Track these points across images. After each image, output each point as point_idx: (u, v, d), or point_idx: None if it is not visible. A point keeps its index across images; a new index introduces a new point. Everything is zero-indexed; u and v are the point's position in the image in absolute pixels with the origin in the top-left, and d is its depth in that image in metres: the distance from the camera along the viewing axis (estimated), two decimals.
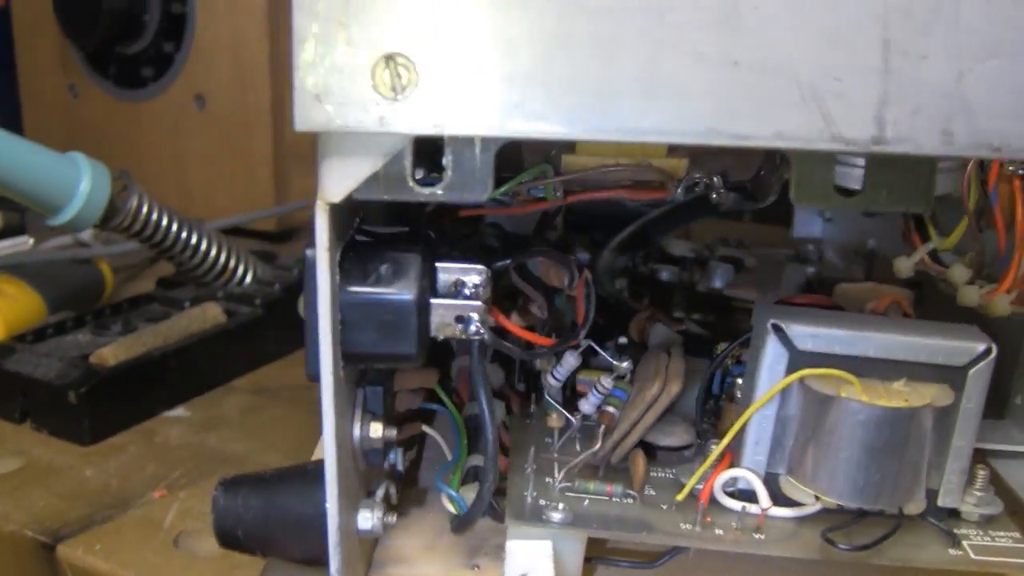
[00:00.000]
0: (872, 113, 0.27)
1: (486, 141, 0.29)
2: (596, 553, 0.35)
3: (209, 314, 0.52)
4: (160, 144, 0.78)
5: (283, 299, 0.56)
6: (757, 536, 0.34)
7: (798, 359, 0.34)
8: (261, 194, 0.74)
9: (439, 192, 0.29)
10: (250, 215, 0.72)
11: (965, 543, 0.34)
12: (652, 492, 0.36)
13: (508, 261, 0.33)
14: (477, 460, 0.36)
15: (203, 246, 0.55)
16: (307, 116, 0.26)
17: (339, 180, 0.28)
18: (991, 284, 0.38)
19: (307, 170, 0.75)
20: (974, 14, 0.26)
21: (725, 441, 0.35)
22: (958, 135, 0.27)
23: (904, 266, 0.42)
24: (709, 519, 0.34)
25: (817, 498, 0.34)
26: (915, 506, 0.34)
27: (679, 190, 0.34)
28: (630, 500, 0.35)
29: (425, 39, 0.26)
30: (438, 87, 0.26)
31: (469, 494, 0.34)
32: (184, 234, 0.54)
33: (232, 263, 0.57)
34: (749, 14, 0.26)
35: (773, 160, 0.33)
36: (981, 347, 0.33)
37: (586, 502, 0.35)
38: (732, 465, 0.35)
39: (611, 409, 0.36)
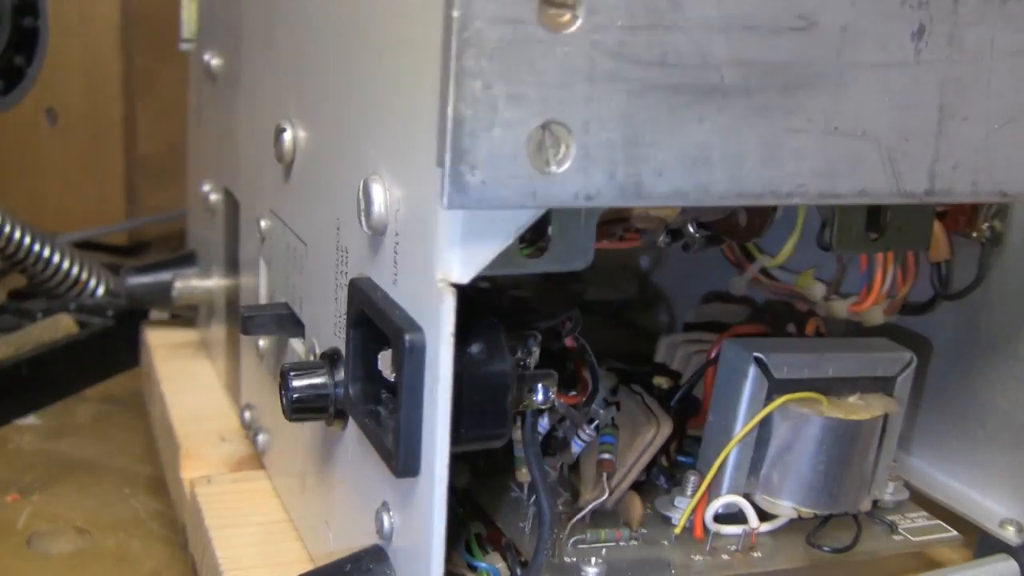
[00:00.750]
0: (927, 169, 0.30)
1: (591, 210, 0.28)
2: None
3: (61, 325, 0.54)
4: (11, 157, 0.78)
5: (134, 311, 0.58)
6: (756, 555, 0.36)
7: (775, 387, 0.36)
8: (112, 208, 0.76)
9: (544, 263, 0.28)
10: (101, 229, 0.75)
11: (901, 528, 0.39)
12: (644, 530, 0.36)
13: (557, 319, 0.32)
14: (477, 527, 0.35)
15: (55, 259, 0.57)
16: (462, 195, 0.24)
17: (469, 260, 0.26)
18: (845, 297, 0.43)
19: (157, 185, 0.77)
20: (1001, 81, 0.30)
21: (712, 473, 0.36)
22: (982, 184, 0.31)
23: (738, 285, 0.46)
24: (714, 547, 0.36)
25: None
26: (866, 504, 0.39)
27: (663, 236, 0.35)
28: (635, 542, 0.36)
29: (589, 108, 0.25)
30: (591, 158, 0.25)
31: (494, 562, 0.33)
32: (36, 247, 0.55)
33: (84, 275, 0.59)
34: (849, 85, 0.28)
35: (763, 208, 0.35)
36: (907, 356, 0.38)
37: (603, 551, 0.35)
38: (710, 492, 0.37)
39: (607, 456, 0.36)
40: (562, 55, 0.24)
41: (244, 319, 0.39)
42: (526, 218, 0.26)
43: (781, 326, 0.43)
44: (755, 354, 0.36)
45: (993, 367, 0.40)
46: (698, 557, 0.35)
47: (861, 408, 0.37)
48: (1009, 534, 0.39)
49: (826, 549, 0.37)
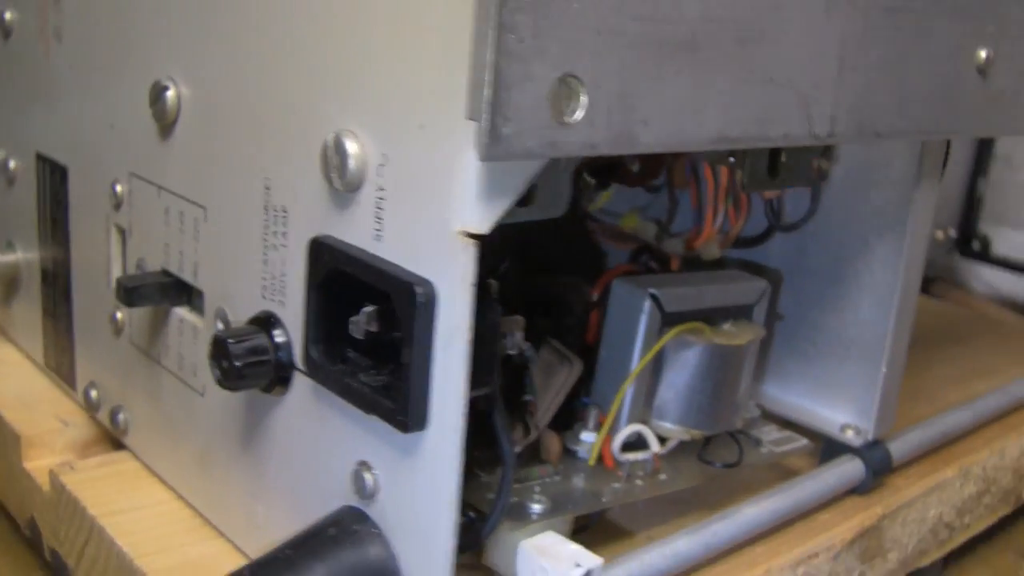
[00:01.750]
0: (829, 114, 0.33)
1: (569, 161, 0.29)
2: None
3: None
4: None
5: None
6: (663, 477, 0.39)
7: (666, 319, 0.39)
8: None
9: (531, 212, 0.29)
10: None
11: (765, 442, 0.43)
12: (561, 466, 0.38)
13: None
14: None
15: None
16: (496, 147, 0.25)
17: (488, 211, 0.26)
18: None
19: None
20: (877, 34, 0.34)
21: (616, 405, 0.39)
22: (863, 127, 0.35)
23: None
24: (622, 474, 0.38)
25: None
26: (739, 422, 0.42)
27: None
28: (558, 477, 0.37)
29: (596, 61, 0.26)
30: (596, 109, 0.27)
31: None
32: None
33: None
34: (781, 39, 0.31)
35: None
36: (763, 284, 0.42)
37: (536, 488, 0.36)
38: (612, 424, 0.40)
39: (530, 397, 0.37)
40: (577, 10, 0.25)
41: (127, 290, 0.37)
42: (535, 168, 0.27)
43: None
44: (650, 290, 0.38)
45: (819, 290, 0.46)
46: (617, 485, 0.38)
47: (737, 334, 0.40)
48: (850, 436, 0.44)
49: (718, 465, 0.40)
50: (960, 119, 0.38)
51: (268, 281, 0.33)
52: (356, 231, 0.29)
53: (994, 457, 0.49)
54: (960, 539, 0.48)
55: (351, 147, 0.28)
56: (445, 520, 0.28)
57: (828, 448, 0.45)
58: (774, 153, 0.37)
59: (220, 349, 0.32)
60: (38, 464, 0.43)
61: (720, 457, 0.41)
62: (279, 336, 0.32)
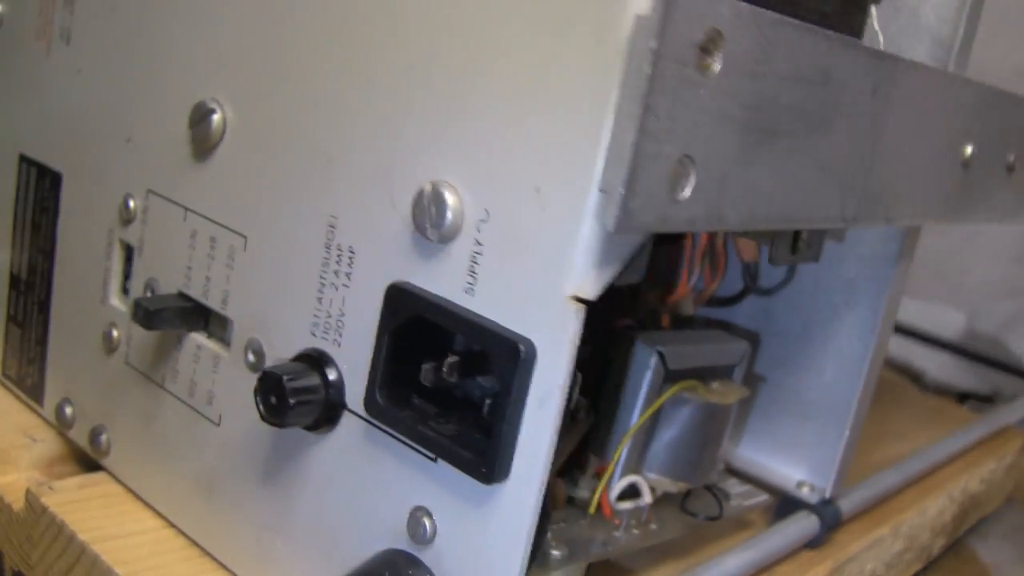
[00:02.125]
0: (856, 200, 0.36)
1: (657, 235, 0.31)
2: None
3: None
4: None
5: None
6: (654, 527, 0.41)
7: (668, 376, 0.41)
8: None
9: (620, 277, 0.30)
10: None
11: (733, 495, 0.46)
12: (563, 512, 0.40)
13: None
14: None
15: None
16: (625, 219, 0.26)
17: (599, 277, 0.27)
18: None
19: None
20: (901, 129, 0.37)
21: (617, 456, 0.40)
22: (877, 212, 0.38)
23: None
24: (619, 522, 0.40)
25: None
26: (715, 476, 0.45)
27: None
28: (563, 524, 0.39)
29: (707, 144, 0.28)
30: (700, 188, 0.28)
31: None
32: None
33: None
34: (834, 130, 0.33)
35: None
36: (744, 346, 0.45)
37: (549, 533, 0.37)
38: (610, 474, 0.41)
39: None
40: (703, 95, 0.27)
41: (148, 312, 0.36)
42: (641, 239, 0.28)
43: None
44: (658, 348, 0.40)
45: (785, 352, 0.48)
46: (616, 533, 0.39)
47: (726, 393, 0.43)
48: (805, 493, 0.47)
49: (701, 516, 0.42)
50: (947, 207, 0.41)
51: (321, 319, 0.33)
52: (443, 282, 0.29)
53: (917, 516, 0.53)
54: None
55: (450, 199, 0.29)
56: (514, 571, 0.29)
57: (784, 504, 0.47)
58: (798, 231, 0.39)
59: (272, 385, 0.32)
60: (3, 481, 0.41)
61: (697, 508, 0.43)
62: (331, 375, 0.32)
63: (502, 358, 0.28)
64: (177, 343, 0.38)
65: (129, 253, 0.39)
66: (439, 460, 0.30)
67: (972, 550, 0.62)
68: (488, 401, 0.29)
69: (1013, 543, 0.63)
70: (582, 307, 0.27)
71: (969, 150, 0.41)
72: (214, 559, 0.37)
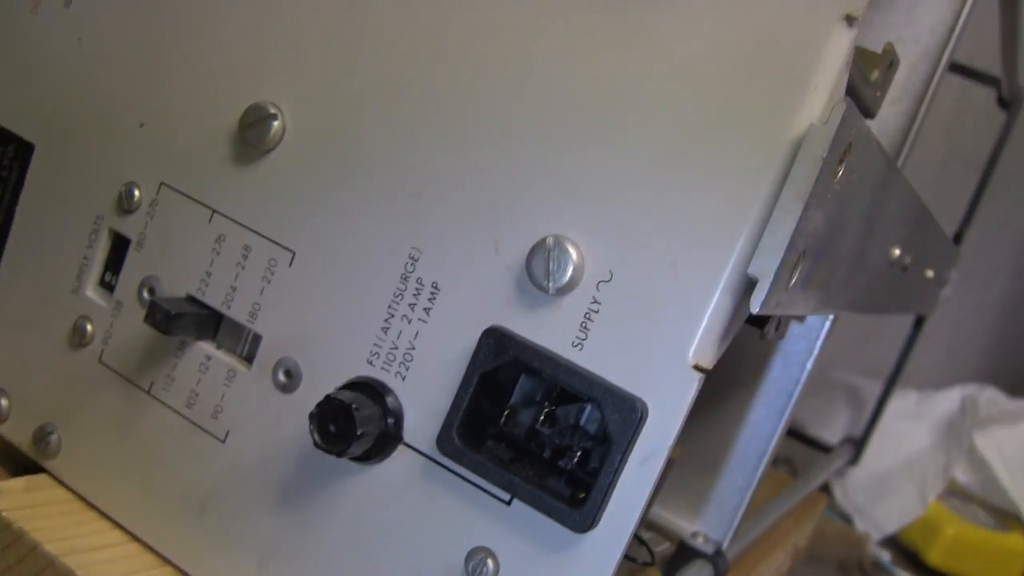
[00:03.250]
0: (844, 299, 0.40)
1: None
2: None
3: None
4: None
5: None
6: None
7: None
8: None
9: None
10: None
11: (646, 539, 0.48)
12: None
13: None
14: None
15: None
16: (767, 303, 0.28)
17: (719, 348, 0.29)
18: None
19: None
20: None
21: None
22: (838, 305, 0.42)
23: None
24: None
25: None
26: None
27: None
28: None
29: (816, 240, 0.30)
30: (806, 279, 0.31)
31: None
32: None
33: None
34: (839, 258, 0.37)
35: None
36: None
37: None
38: None
39: None
40: (828, 200, 0.29)
41: (170, 317, 0.34)
42: (744, 317, 0.30)
43: None
44: None
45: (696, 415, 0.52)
46: None
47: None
48: (700, 542, 0.50)
49: (639, 561, 0.45)
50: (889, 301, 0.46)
51: (384, 350, 0.32)
52: (549, 333, 0.30)
53: (766, 569, 0.58)
54: None
55: (574, 255, 0.30)
56: None
57: (681, 553, 0.51)
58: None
59: (337, 412, 0.31)
60: None
61: (631, 553, 0.45)
62: (391, 406, 0.32)
63: (614, 414, 0.29)
64: (177, 350, 0.35)
65: (120, 245, 0.37)
66: (513, 503, 0.30)
67: None
68: (579, 451, 0.30)
69: None
70: (702, 375, 0.29)
71: (897, 251, 0.47)
72: None
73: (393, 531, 0.32)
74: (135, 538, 0.36)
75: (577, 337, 0.30)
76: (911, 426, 0.90)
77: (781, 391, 0.49)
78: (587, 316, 0.30)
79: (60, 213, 0.38)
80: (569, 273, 0.30)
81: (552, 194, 0.30)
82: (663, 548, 0.49)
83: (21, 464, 0.38)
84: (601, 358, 0.30)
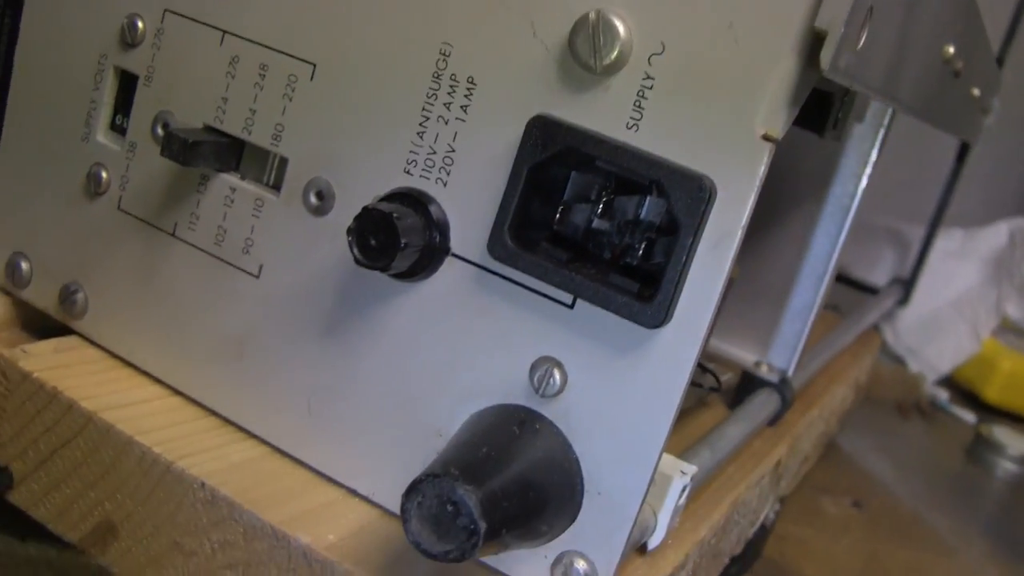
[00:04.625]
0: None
1: None
2: None
3: None
4: None
5: None
6: None
7: None
8: None
9: None
10: None
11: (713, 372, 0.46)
12: None
13: None
14: None
15: None
16: (838, 59, 0.25)
17: (788, 116, 0.26)
18: None
19: None
20: None
21: None
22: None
23: None
24: None
25: None
26: None
27: None
28: None
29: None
30: (874, 45, 0.28)
31: None
32: None
33: None
34: None
35: None
36: None
37: None
38: None
39: None
40: None
41: (188, 146, 0.31)
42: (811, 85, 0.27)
43: None
44: None
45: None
46: None
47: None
48: (765, 371, 0.48)
49: (706, 388, 0.43)
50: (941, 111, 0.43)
51: (421, 155, 0.30)
52: (598, 116, 0.27)
53: (830, 402, 0.56)
54: (804, 470, 0.55)
55: (621, 29, 0.27)
56: (664, 420, 0.28)
57: (744, 383, 0.49)
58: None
59: (377, 223, 0.28)
60: None
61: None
62: (435, 215, 0.30)
63: (680, 195, 0.26)
64: (198, 186, 0.33)
65: (128, 83, 0.34)
66: (576, 306, 0.28)
67: (835, 442, 0.67)
68: (643, 244, 0.28)
69: (867, 435, 0.69)
70: (772, 145, 0.26)
71: (951, 50, 0.43)
72: (243, 430, 0.33)
73: (448, 350, 0.30)
74: (175, 391, 0.34)
75: (631, 118, 0.27)
76: (959, 264, 0.87)
77: (836, 210, 0.47)
78: (640, 94, 0.27)
79: (60, 57, 0.35)
80: (617, 48, 0.27)
81: None
82: (727, 378, 0.47)
83: (50, 332, 0.36)
84: (660, 138, 0.27)
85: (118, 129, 0.35)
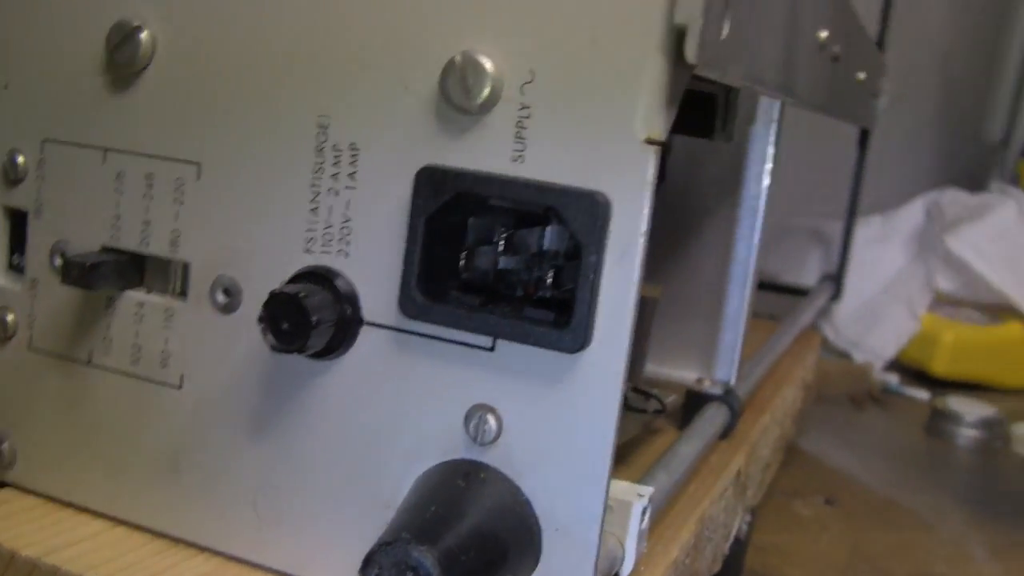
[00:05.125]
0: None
1: None
2: None
3: None
4: None
5: None
6: None
7: None
8: None
9: None
10: None
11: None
12: None
13: None
14: None
15: None
16: (703, 52, 0.26)
17: (667, 117, 0.27)
18: None
19: None
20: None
21: None
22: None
23: None
24: None
25: None
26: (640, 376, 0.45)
27: None
28: None
29: None
30: (736, 33, 0.28)
31: None
32: None
33: None
34: None
35: None
36: None
37: None
38: None
39: None
40: None
41: (86, 268, 0.31)
42: (686, 82, 0.28)
43: None
44: None
45: (658, 257, 0.50)
46: None
47: (652, 287, 0.43)
48: (708, 386, 0.49)
49: (650, 412, 0.43)
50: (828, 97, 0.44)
51: (319, 231, 0.30)
52: (483, 155, 0.28)
53: (781, 404, 0.56)
54: (768, 478, 0.55)
55: (488, 66, 0.27)
56: (606, 442, 0.28)
57: (690, 401, 0.49)
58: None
59: (285, 306, 0.28)
60: None
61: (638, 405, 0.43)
62: (342, 288, 0.29)
63: (576, 215, 0.27)
64: (105, 309, 0.33)
65: (18, 220, 0.34)
66: (497, 347, 0.28)
67: (795, 445, 0.67)
68: (551, 273, 0.28)
69: (827, 433, 0.69)
70: (657, 148, 0.26)
71: (824, 34, 0.44)
72: (193, 545, 0.33)
73: (381, 419, 0.30)
74: (119, 521, 0.34)
75: (515, 150, 0.27)
76: (883, 249, 0.89)
77: (748, 213, 0.47)
78: (519, 124, 0.27)
79: None
80: (488, 85, 0.27)
81: (445, 10, 0.28)
82: (671, 400, 0.47)
83: None
84: (546, 164, 0.27)
85: (16, 268, 0.34)
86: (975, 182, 1.07)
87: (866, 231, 0.88)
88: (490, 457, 0.29)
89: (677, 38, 0.26)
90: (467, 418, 0.29)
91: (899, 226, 0.91)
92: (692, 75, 0.26)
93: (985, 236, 0.85)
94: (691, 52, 0.25)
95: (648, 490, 0.33)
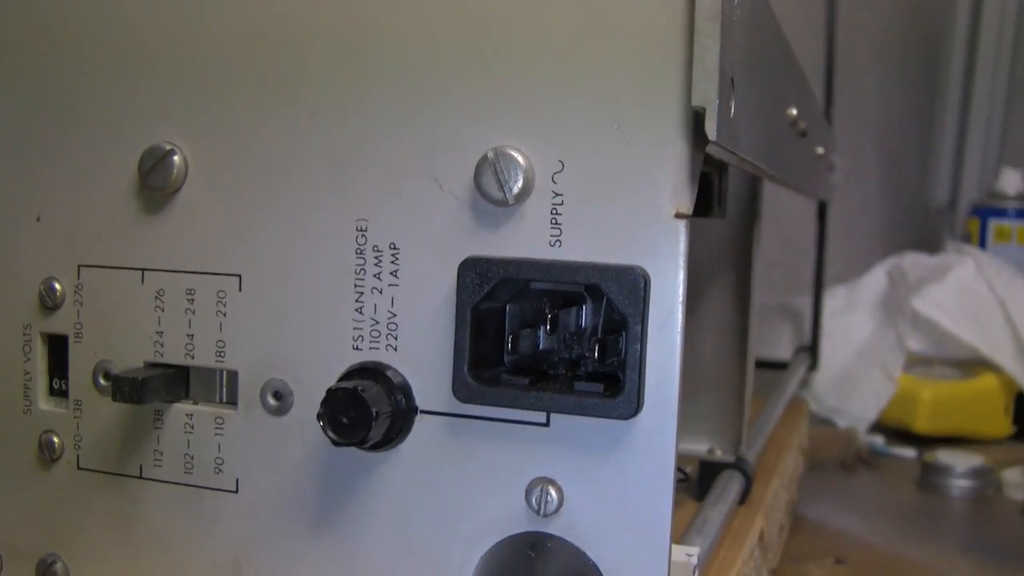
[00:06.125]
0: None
1: None
2: None
3: None
4: None
5: None
6: None
7: None
8: None
9: None
10: None
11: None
12: None
13: None
14: None
15: None
16: (722, 128, 0.28)
17: (691, 192, 0.29)
18: None
19: None
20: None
21: None
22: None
23: None
24: None
25: None
26: None
27: None
28: None
29: (740, 68, 0.31)
30: (741, 113, 0.31)
31: None
32: None
33: None
34: None
35: None
36: None
37: None
38: None
39: None
40: (736, 19, 0.30)
41: (138, 384, 0.32)
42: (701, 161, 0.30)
43: None
44: None
45: None
46: None
47: None
48: (719, 455, 0.50)
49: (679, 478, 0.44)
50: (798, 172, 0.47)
51: (366, 329, 0.31)
52: (523, 242, 0.29)
53: (785, 470, 0.58)
54: (783, 541, 0.56)
55: (520, 159, 0.29)
56: (664, 500, 0.29)
57: (705, 472, 0.50)
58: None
59: (345, 401, 0.29)
60: None
61: None
62: (395, 380, 0.31)
63: (619, 290, 0.28)
64: (154, 422, 0.34)
65: (58, 345, 0.35)
66: (552, 422, 0.29)
67: (796, 511, 0.68)
68: (596, 346, 0.30)
69: (823, 498, 0.70)
70: (686, 221, 0.28)
71: (794, 112, 0.47)
72: None
73: (443, 504, 0.31)
74: None
75: (551, 235, 0.29)
76: (852, 317, 0.92)
77: (738, 282, 0.50)
78: (554, 211, 0.29)
79: None
80: (521, 177, 0.29)
81: (474, 113, 0.30)
82: (689, 471, 0.48)
83: None
84: (583, 246, 0.29)
85: (58, 393, 0.35)
86: (925, 245, 1.11)
87: (833, 302, 0.91)
88: (555, 527, 0.30)
89: (696, 120, 0.28)
90: (528, 492, 0.30)
91: (864, 293, 0.94)
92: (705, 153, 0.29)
93: (948, 294, 0.89)
94: (711, 129, 0.27)
95: (695, 550, 0.34)
